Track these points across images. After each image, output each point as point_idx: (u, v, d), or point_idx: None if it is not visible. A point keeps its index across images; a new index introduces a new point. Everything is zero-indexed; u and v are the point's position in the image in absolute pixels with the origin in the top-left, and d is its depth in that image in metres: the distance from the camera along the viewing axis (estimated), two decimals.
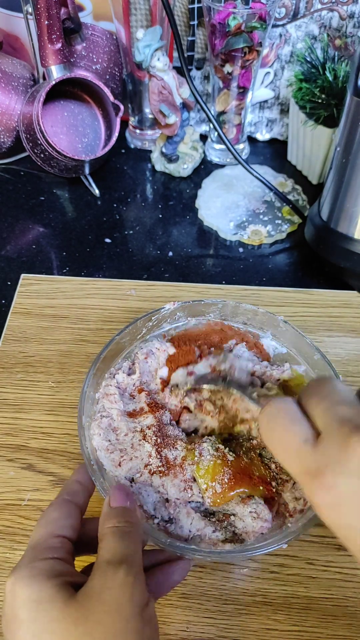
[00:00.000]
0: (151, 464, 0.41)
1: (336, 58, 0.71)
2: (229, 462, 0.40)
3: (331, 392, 0.30)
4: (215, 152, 0.80)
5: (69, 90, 0.73)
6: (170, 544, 0.37)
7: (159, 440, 0.42)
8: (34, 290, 0.62)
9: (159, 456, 0.41)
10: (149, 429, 0.43)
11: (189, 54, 0.77)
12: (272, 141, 0.84)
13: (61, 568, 0.30)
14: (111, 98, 0.71)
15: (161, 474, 0.41)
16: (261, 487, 0.40)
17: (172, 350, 0.48)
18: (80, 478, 0.37)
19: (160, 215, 0.74)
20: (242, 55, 0.67)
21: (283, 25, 0.73)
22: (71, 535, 0.33)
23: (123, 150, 0.83)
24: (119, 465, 0.41)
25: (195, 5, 0.72)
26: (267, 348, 0.50)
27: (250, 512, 0.39)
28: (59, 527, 0.32)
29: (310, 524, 0.38)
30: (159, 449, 0.41)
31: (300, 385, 0.45)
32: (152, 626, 0.29)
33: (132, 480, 0.42)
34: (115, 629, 0.27)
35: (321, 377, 0.39)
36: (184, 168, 0.78)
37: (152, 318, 0.49)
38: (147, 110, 0.79)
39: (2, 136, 0.73)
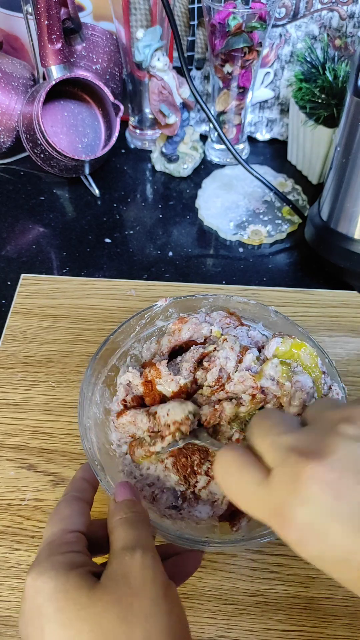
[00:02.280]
0: (187, 493, 0.41)
1: (336, 58, 0.71)
2: None
3: (273, 425, 0.29)
4: (215, 152, 0.80)
5: (69, 90, 0.73)
6: (180, 536, 0.37)
7: (180, 466, 0.42)
8: (34, 290, 0.62)
9: (187, 483, 0.41)
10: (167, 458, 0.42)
11: (189, 54, 0.77)
12: (272, 141, 0.84)
13: (81, 560, 0.30)
14: (111, 98, 0.71)
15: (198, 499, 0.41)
16: None
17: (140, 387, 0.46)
18: (85, 475, 0.38)
19: (160, 215, 0.74)
20: (242, 55, 0.67)
21: (283, 25, 0.73)
22: (84, 529, 0.33)
23: (123, 150, 0.83)
24: (154, 500, 0.41)
25: (195, 5, 0.72)
26: (259, 337, 0.50)
27: None
28: (72, 523, 0.32)
29: None
30: (186, 476, 0.41)
31: (294, 356, 0.44)
32: (179, 606, 0.29)
33: (176, 507, 0.42)
34: (145, 610, 0.27)
35: (262, 412, 0.37)
36: (184, 168, 0.78)
37: (145, 315, 0.49)
38: (147, 110, 0.79)
39: (2, 136, 0.73)
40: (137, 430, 0.43)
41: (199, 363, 0.44)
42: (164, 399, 0.44)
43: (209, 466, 0.41)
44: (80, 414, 0.42)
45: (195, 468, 0.41)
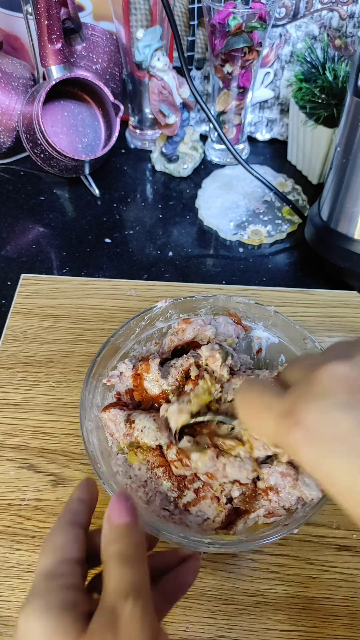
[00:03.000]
0: (179, 501, 0.41)
1: (336, 58, 0.71)
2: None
3: (302, 358, 0.31)
4: (215, 152, 0.80)
5: (69, 90, 0.73)
6: (185, 538, 0.37)
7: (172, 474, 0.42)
8: (34, 290, 0.62)
9: (179, 489, 0.41)
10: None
11: (189, 54, 0.77)
12: (272, 141, 0.84)
13: (75, 597, 0.29)
14: (111, 98, 0.71)
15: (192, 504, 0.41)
16: None
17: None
18: (81, 496, 0.35)
19: (160, 215, 0.74)
20: (242, 55, 0.67)
21: (283, 25, 0.73)
22: (80, 557, 0.32)
23: (123, 150, 0.83)
24: (148, 502, 0.41)
25: (195, 5, 0.72)
26: (259, 339, 0.50)
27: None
28: (67, 551, 0.31)
29: (318, 507, 0.38)
30: (179, 484, 0.41)
31: None
32: None
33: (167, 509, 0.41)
34: None
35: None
36: (184, 168, 0.78)
37: (145, 317, 0.49)
38: (147, 110, 0.79)
39: (2, 136, 0.73)
40: (116, 432, 0.43)
41: (186, 374, 0.44)
42: (151, 397, 0.44)
43: (200, 485, 0.41)
44: (82, 416, 0.42)
45: (186, 483, 0.41)
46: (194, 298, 0.51)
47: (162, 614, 0.33)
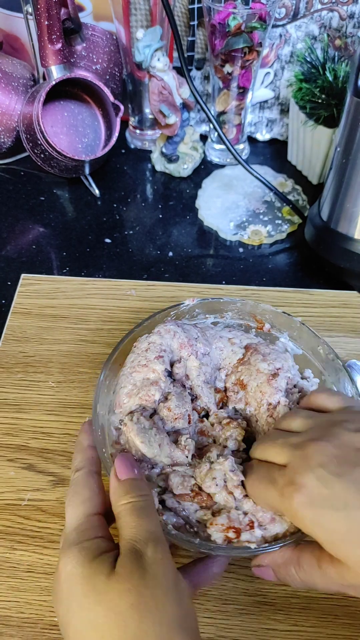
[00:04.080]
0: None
1: (336, 58, 0.71)
2: None
3: (276, 433, 0.38)
4: (215, 152, 0.80)
5: (69, 91, 0.73)
6: (200, 545, 0.36)
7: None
8: (34, 290, 0.62)
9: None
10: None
11: (189, 54, 0.77)
12: (272, 141, 0.84)
13: (105, 545, 0.32)
14: (111, 98, 0.71)
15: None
16: None
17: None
18: (91, 442, 0.39)
19: (160, 215, 0.74)
20: (242, 55, 0.67)
21: (283, 25, 0.73)
22: (103, 510, 0.35)
23: (123, 150, 0.83)
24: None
25: (195, 6, 0.72)
26: (285, 348, 0.49)
27: None
28: (93, 505, 0.34)
29: None
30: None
31: None
32: (189, 598, 0.31)
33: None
34: (156, 601, 0.29)
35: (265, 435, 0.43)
36: (184, 168, 0.78)
37: (171, 313, 0.49)
38: (147, 110, 0.79)
39: (2, 136, 0.73)
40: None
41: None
42: None
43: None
44: (95, 401, 0.42)
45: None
46: (222, 300, 0.51)
47: None
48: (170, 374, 0.45)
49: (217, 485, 0.38)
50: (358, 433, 0.34)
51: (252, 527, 0.37)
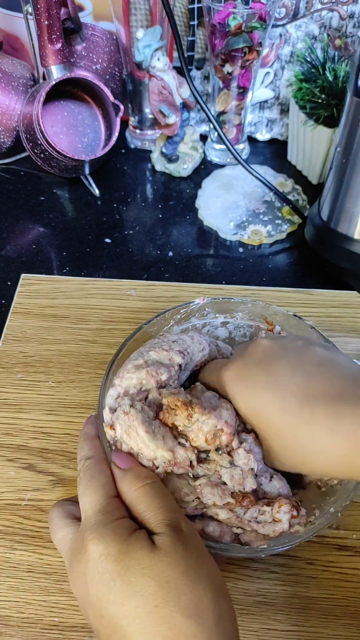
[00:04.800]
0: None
1: (336, 58, 0.71)
2: None
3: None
4: (215, 152, 0.80)
5: (69, 90, 0.73)
6: (205, 544, 0.36)
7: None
8: (34, 290, 0.62)
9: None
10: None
11: (189, 54, 0.77)
12: (272, 141, 0.84)
13: (132, 524, 0.32)
14: (111, 98, 0.71)
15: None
16: None
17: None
18: (97, 432, 0.39)
19: (160, 215, 0.74)
20: (242, 55, 0.67)
21: (283, 25, 0.73)
22: (117, 494, 0.35)
23: (123, 150, 0.83)
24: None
25: (195, 5, 0.72)
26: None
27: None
28: (111, 489, 0.34)
29: (343, 501, 0.39)
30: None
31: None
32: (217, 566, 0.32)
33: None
34: (202, 569, 0.30)
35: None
36: (184, 168, 0.78)
37: (181, 311, 0.49)
38: (147, 110, 0.79)
39: (2, 136, 0.73)
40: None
41: None
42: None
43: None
44: (100, 400, 0.41)
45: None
46: (232, 300, 0.51)
47: None
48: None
49: (255, 480, 0.38)
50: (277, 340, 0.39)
51: (299, 506, 0.39)
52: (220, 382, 0.39)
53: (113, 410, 0.40)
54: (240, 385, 0.38)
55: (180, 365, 0.43)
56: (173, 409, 0.38)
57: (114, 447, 0.39)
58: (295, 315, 0.49)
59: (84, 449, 0.38)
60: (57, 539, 0.36)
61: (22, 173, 0.79)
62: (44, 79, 0.73)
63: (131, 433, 0.37)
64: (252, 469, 0.38)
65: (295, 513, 0.38)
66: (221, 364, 0.41)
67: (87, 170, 0.75)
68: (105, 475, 0.35)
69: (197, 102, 0.69)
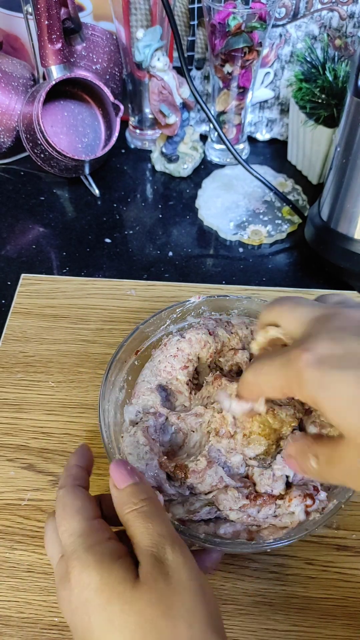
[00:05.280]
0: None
1: (336, 58, 0.71)
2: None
3: (284, 303, 0.33)
4: (215, 152, 0.80)
5: (69, 90, 0.73)
6: (206, 539, 0.37)
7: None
8: (34, 290, 0.62)
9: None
10: None
11: (189, 54, 0.77)
12: (272, 141, 0.84)
13: (118, 547, 0.31)
14: (111, 98, 0.71)
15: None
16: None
17: None
18: (78, 462, 0.37)
19: (160, 215, 0.74)
20: (242, 55, 0.67)
21: (283, 25, 0.72)
22: (100, 515, 0.33)
23: (123, 150, 0.83)
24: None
25: (195, 5, 0.72)
26: None
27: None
28: (89, 511, 0.33)
29: (334, 511, 0.39)
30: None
31: None
32: (212, 594, 0.31)
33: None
34: (186, 605, 0.28)
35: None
36: (184, 168, 0.78)
37: (177, 310, 0.50)
38: (147, 110, 0.79)
39: (2, 136, 0.73)
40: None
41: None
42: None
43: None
44: (101, 396, 0.43)
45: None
46: (227, 298, 0.51)
47: None
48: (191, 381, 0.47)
49: (270, 479, 0.39)
50: None
51: (317, 491, 0.39)
52: (289, 372, 0.29)
53: (134, 423, 0.43)
54: (328, 365, 0.27)
55: (189, 381, 0.47)
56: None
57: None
58: None
59: (60, 479, 0.36)
60: (49, 555, 0.34)
61: (22, 173, 0.79)
62: (44, 79, 0.73)
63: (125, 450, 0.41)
64: (286, 475, 0.39)
65: (309, 502, 0.38)
66: (283, 350, 0.31)
67: (87, 170, 0.75)
68: (79, 500, 0.33)
69: (197, 102, 0.69)
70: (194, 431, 0.44)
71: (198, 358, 0.48)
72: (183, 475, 0.40)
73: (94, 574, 0.29)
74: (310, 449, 0.32)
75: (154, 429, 0.43)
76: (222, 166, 0.80)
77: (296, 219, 0.71)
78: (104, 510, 0.35)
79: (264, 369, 0.31)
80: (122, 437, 0.43)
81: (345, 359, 0.27)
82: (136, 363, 0.48)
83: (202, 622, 0.28)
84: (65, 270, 0.66)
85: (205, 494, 0.40)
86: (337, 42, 0.72)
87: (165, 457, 0.41)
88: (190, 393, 0.46)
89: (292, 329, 0.31)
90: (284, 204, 0.72)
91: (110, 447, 0.41)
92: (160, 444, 0.43)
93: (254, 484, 0.40)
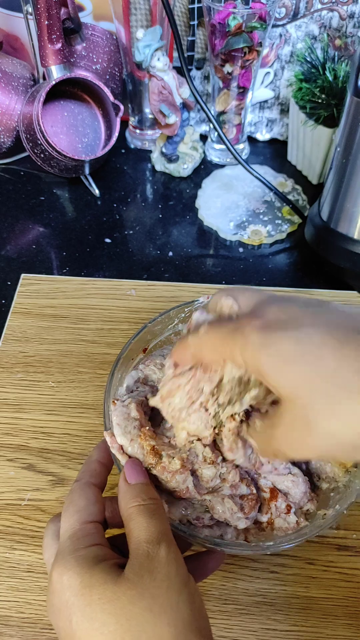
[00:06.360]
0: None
1: (336, 58, 0.71)
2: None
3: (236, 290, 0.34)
4: (215, 152, 0.80)
5: (69, 90, 0.73)
6: (207, 539, 0.37)
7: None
8: (34, 290, 0.62)
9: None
10: None
11: (189, 54, 0.77)
12: (272, 141, 0.84)
13: (103, 553, 0.31)
14: (111, 98, 0.71)
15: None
16: None
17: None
18: (100, 457, 0.37)
19: (160, 215, 0.74)
20: (242, 55, 0.67)
21: (283, 25, 0.73)
22: (101, 519, 0.34)
23: (123, 150, 0.83)
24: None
25: (195, 5, 0.72)
26: None
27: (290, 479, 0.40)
28: (89, 514, 0.33)
29: (349, 498, 0.38)
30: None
31: None
32: (199, 597, 0.30)
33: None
34: (170, 602, 0.28)
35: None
36: (184, 168, 0.78)
37: (185, 309, 0.50)
38: (147, 110, 0.79)
39: (2, 136, 0.73)
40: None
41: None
42: None
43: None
44: (107, 391, 0.42)
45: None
46: None
47: None
48: None
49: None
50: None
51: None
52: (237, 342, 0.29)
53: (130, 391, 0.43)
54: (271, 336, 0.28)
55: None
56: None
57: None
58: None
59: (80, 472, 0.37)
60: (45, 559, 0.34)
61: (22, 173, 0.79)
62: (44, 79, 0.73)
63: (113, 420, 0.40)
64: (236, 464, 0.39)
65: (246, 510, 0.38)
66: (231, 322, 0.31)
67: (87, 170, 0.75)
68: (84, 499, 0.34)
69: (197, 102, 0.69)
70: None
71: None
72: (153, 463, 0.39)
73: (74, 577, 0.29)
74: (254, 419, 0.33)
75: (147, 401, 0.43)
76: (222, 166, 0.80)
77: (296, 219, 0.71)
78: (107, 513, 0.35)
79: (210, 332, 0.32)
80: (114, 402, 0.42)
81: (287, 322, 0.28)
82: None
83: (185, 622, 0.28)
84: (65, 270, 0.66)
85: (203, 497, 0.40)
86: (337, 42, 0.72)
87: (149, 428, 0.41)
88: None
89: (244, 307, 0.32)
90: (284, 204, 0.72)
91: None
92: (148, 418, 0.43)
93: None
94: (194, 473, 0.39)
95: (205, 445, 0.39)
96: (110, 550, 0.32)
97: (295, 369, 0.27)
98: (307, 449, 0.29)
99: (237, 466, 0.40)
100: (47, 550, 0.34)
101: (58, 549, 0.31)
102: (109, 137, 0.75)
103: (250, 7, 0.65)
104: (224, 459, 0.40)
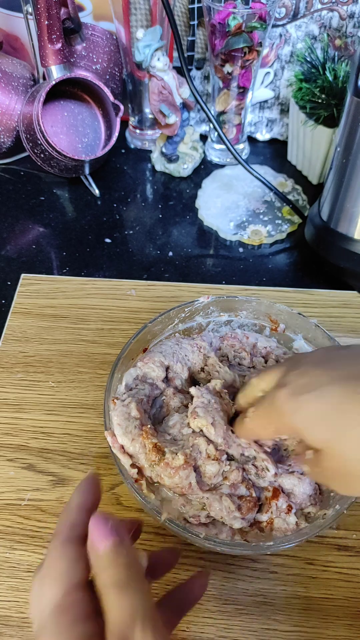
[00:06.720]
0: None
1: (336, 58, 0.71)
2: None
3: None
4: (215, 152, 0.80)
5: (69, 90, 0.73)
6: (205, 539, 0.37)
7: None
8: (34, 290, 0.62)
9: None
10: None
11: (189, 54, 0.77)
12: (272, 141, 0.84)
13: (89, 630, 0.28)
14: (111, 98, 0.71)
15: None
16: None
17: None
18: (81, 501, 0.33)
19: (160, 215, 0.74)
20: (242, 55, 0.67)
21: (283, 25, 0.73)
22: (85, 577, 0.30)
23: (123, 150, 0.83)
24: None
25: (195, 5, 0.72)
26: (298, 350, 0.51)
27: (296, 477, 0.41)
28: (71, 576, 0.29)
29: (349, 498, 0.39)
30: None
31: None
32: None
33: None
34: None
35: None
36: (184, 168, 0.78)
37: (185, 310, 0.50)
38: (147, 110, 0.79)
39: (2, 136, 0.73)
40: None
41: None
42: None
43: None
44: (107, 389, 0.43)
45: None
46: (237, 298, 0.51)
47: (172, 626, 0.34)
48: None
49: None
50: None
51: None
52: (276, 412, 0.34)
53: (129, 389, 0.43)
54: (299, 400, 0.33)
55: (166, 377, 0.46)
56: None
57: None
58: (299, 314, 0.49)
59: (58, 521, 0.32)
60: (30, 615, 0.31)
61: (22, 173, 0.79)
62: (44, 79, 0.73)
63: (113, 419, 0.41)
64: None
65: (243, 511, 0.39)
66: (264, 399, 0.36)
67: (87, 170, 0.75)
68: (65, 561, 0.30)
69: (197, 102, 0.69)
70: (176, 412, 0.44)
71: (202, 369, 0.48)
72: (156, 460, 0.39)
73: None
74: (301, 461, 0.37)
75: (146, 400, 0.43)
76: (222, 166, 0.80)
77: (296, 219, 0.71)
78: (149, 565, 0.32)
79: (255, 416, 0.37)
80: (114, 401, 0.42)
81: (309, 384, 0.32)
82: None
83: None
84: (65, 270, 0.66)
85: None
86: (337, 42, 0.72)
87: (150, 426, 0.41)
88: (179, 391, 0.46)
89: (270, 382, 0.37)
90: (284, 204, 0.72)
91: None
92: (148, 416, 0.43)
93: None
94: (196, 469, 0.39)
95: (209, 442, 0.40)
96: (95, 624, 0.28)
97: (324, 426, 0.31)
98: (353, 491, 0.34)
99: (242, 468, 0.40)
100: (34, 607, 0.30)
101: (42, 622, 0.29)
102: (109, 137, 0.75)
103: (250, 7, 0.65)
104: (228, 457, 0.40)
